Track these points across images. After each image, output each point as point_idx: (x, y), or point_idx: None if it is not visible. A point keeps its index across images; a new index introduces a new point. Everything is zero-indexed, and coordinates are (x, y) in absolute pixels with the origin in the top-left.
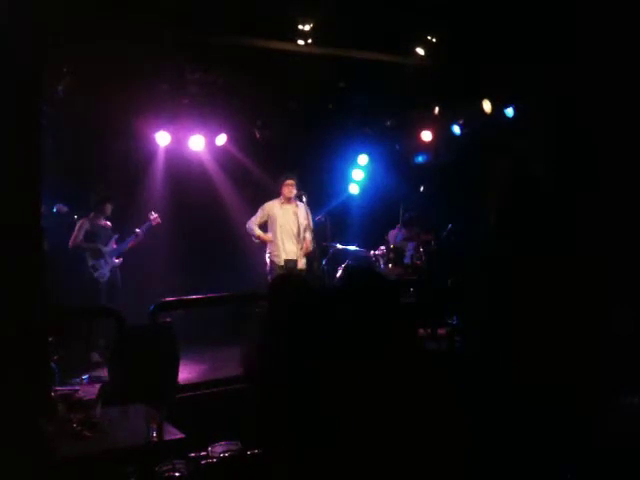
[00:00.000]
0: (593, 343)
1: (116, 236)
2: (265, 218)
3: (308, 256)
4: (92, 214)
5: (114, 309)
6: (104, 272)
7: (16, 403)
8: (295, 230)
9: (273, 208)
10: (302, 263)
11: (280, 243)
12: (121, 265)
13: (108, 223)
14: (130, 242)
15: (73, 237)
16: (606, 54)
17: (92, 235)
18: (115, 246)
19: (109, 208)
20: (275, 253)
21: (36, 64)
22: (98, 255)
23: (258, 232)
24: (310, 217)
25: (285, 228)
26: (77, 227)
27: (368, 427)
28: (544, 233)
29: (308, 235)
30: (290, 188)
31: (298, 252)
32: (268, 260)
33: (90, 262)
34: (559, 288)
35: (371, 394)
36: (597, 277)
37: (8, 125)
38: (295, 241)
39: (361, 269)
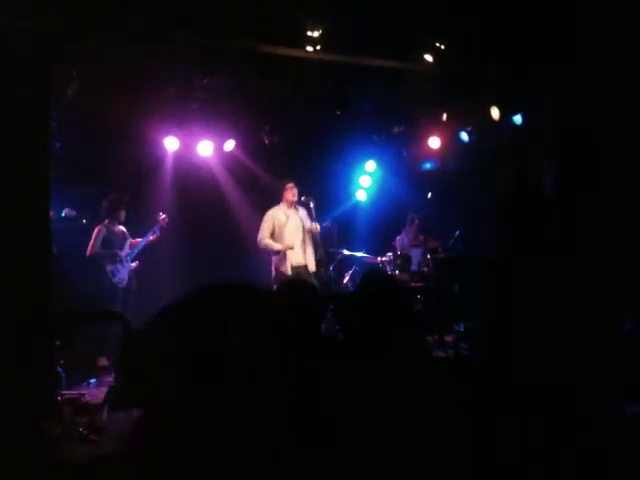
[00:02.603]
0: (597, 345)
1: (130, 240)
2: (272, 227)
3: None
4: (107, 221)
5: (120, 313)
6: (122, 277)
7: (17, 404)
8: (301, 235)
9: (278, 215)
10: (312, 266)
11: (289, 251)
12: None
13: (122, 229)
14: (145, 242)
15: (90, 245)
16: (607, 54)
17: (108, 242)
18: (130, 250)
19: (123, 214)
20: (283, 262)
21: (37, 64)
22: (115, 260)
23: (277, 246)
24: (313, 217)
25: (294, 236)
26: (94, 235)
27: (368, 429)
28: (547, 234)
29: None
30: (293, 191)
31: (306, 255)
32: (274, 271)
33: (108, 268)
34: (563, 290)
35: (372, 397)
36: (600, 278)
37: (15, 127)
38: (301, 245)
39: (371, 274)
